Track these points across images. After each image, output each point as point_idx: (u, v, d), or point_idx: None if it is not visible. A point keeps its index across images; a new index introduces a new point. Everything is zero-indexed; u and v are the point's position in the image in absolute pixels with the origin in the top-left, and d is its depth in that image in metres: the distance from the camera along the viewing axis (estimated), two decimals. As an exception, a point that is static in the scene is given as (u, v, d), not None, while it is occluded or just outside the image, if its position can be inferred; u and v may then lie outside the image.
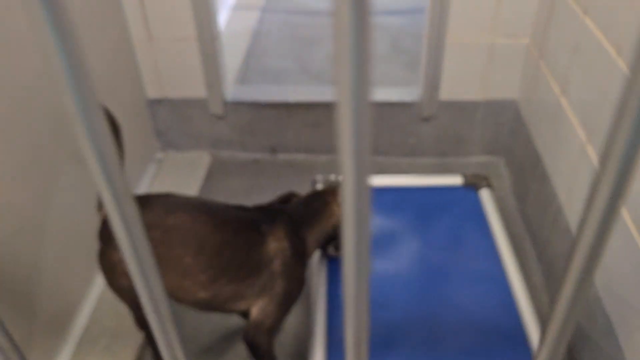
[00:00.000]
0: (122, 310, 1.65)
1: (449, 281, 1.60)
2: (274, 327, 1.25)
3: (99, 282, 1.72)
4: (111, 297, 1.69)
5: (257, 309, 1.22)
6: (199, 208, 1.21)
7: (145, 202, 1.21)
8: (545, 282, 1.76)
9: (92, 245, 1.76)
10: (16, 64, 1.34)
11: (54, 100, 1.53)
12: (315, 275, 1.60)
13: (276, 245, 1.21)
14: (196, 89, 2.16)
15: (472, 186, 1.94)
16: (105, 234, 1.24)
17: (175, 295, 1.20)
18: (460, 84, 2.12)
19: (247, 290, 1.20)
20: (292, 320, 1.69)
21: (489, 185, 1.91)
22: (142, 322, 1.39)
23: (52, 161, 1.51)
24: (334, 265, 1.65)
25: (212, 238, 1.16)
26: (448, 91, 2.14)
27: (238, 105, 2.23)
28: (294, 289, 1.25)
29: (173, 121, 2.27)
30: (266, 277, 1.20)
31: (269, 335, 1.25)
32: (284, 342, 1.63)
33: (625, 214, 1.26)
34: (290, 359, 1.58)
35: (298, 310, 1.71)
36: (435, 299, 1.55)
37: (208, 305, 1.22)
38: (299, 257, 1.26)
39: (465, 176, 1.96)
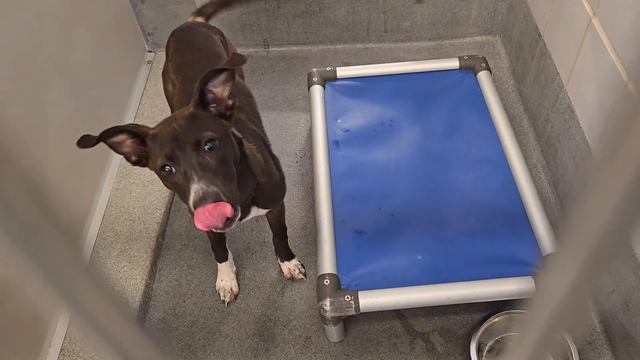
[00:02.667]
0: (133, 214, 1.70)
1: (451, 166, 1.63)
2: None
3: (107, 188, 1.75)
4: (120, 201, 1.73)
5: None
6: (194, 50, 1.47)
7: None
8: (544, 160, 1.79)
9: (93, 152, 1.76)
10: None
11: (33, 9, 1.47)
12: (319, 165, 1.63)
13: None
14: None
15: (469, 69, 1.91)
16: (167, 47, 1.56)
17: None
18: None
19: None
20: (298, 213, 1.74)
21: (486, 68, 1.89)
22: None
23: (36, 73, 1.47)
24: (336, 156, 1.67)
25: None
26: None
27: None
28: None
29: (159, 20, 2.19)
30: None
31: None
32: (292, 233, 1.69)
33: (626, 89, 1.25)
34: (298, 249, 1.65)
35: (304, 203, 1.75)
36: (438, 183, 1.59)
37: None
38: None
39: (461, 59, 1.93)
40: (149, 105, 2.03)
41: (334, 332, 1.42)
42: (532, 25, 1.87)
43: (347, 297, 1.32)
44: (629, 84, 1.23)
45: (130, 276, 1.55)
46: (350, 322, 1.48)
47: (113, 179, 1.78)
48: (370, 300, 1.32)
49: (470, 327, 1.45)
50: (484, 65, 1.89)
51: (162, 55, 2.23)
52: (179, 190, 1.01)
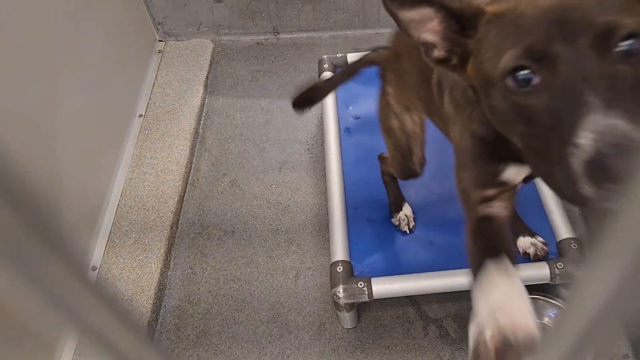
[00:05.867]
0: (147, 203, 1.71)
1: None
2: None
3: (120, 178, 1.76)
4: (134, 191, 1.74)
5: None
6: None
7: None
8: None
9: (107, 142, 1.78)
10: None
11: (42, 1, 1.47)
12: (330, 152, 1.63)
13: None
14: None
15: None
16: (382, 75, 1.23)
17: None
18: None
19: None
20: (310, 201, 1.74)
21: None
22: (405, 172, 1.33)
23: (49, 65, 1.49)
24: (347, 142, 1.67)
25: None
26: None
27: (234, -14, 2.13)
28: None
29: (169, 9, 2.19)
30: None
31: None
32: (304, 220, 1.70)
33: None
34: (311, 236, 1.65)
35: (316, 191, 1.76)
36: (450, 169, 1.58)
37: None
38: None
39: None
40: (160, 95, 2.03)
41: (347, 318, 1.43)
42: None
43: (360, 284, 1.32)
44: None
45: (145, 264, 1.56)
46: (363, 308, 1.49)
47: (127, 169, 1.79)
48: (384, 286, 1.32)
49: (484, 313, 1.45)
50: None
51: (172, 44, 2.23)
52: (534, 120, 0.56)
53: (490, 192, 0.80)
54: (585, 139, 0.49)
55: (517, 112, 0.59)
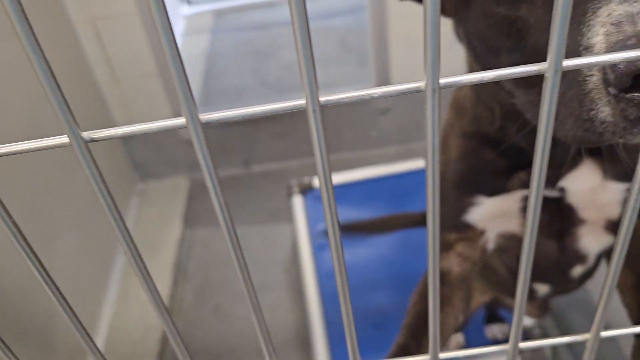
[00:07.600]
0: (134, 335, 1.77)
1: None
2: None
3: (107, 313, 1.83)
4: (121, 324, 1.80)
5: None
6: None
7: None
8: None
9: (94, 279, 1.86)
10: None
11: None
12: (305, 268, 1.74)
13: None
14: (165, 118, 2.27)
15: (435, 167, 2.09)
16: None
17: None
18: (410, 74, 2.27)
19: None
20: (291, 319, 1.82)
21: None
22: None
23: (48, 214, 1.62)
24: (321, 257, 1.79)
25: None
26: (400, 82, 2.29)
27: (206, 127, 2.34)
28: None
29: (148, 153, 2.38)
30: None
31: None
32: (287, 338, 1.76)
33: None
34: (295, 351, 1.71)
35: (296, 307, 1.84)
36: (419, 275, 1.70)
37: None
38: None
39: (428, 159, 2.11)
40: (142, 231, 2.16)
41: None
42: (485, 122, 2.08)
43: (345, 390, 1.38)
44: None
45: (134, 396, 1.60)
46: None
47: (113, 304, 1.87)
48: (367, 390, 1.38)
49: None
50: (447, 162, 2.07)
51: (152, 183, 2.39)
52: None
53: (451, 236, 0.67)
54: (600, 35, 0.36)
55: (503, 30, 0.47)
